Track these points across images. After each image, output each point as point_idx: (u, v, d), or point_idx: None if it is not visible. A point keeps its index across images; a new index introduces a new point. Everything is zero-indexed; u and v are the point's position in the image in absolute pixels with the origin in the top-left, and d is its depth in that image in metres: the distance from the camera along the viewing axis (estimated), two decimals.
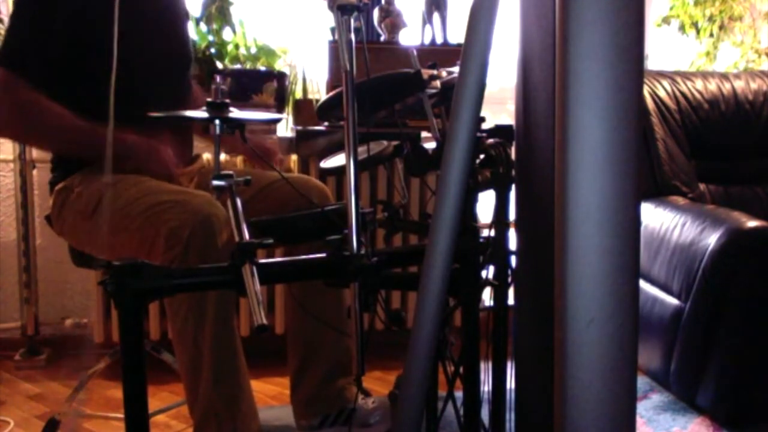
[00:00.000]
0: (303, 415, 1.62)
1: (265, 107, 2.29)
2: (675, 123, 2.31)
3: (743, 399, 1.79)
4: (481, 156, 1.19)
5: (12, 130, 1.58)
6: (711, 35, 2.94)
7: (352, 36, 1.01)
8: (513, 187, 1.16)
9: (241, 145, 1.68)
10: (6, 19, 2.25)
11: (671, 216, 1.98)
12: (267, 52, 2.56)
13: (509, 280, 1.20)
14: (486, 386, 1.23)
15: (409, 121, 2.14)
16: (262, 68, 2.53)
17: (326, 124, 2.18)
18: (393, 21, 2.41)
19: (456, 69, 1.19)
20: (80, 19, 1.45)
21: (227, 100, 1.11)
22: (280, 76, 2.38)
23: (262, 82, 2.33)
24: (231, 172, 1.10)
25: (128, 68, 1.53)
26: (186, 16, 1.76)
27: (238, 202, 1.07)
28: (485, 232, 1.19)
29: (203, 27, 2.44)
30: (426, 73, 1.22)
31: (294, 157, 2.23)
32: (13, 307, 2.33)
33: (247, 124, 1.18)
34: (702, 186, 2.32)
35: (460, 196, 0.95)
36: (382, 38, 2.43)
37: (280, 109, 2.35)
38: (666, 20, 2.96)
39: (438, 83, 1.24)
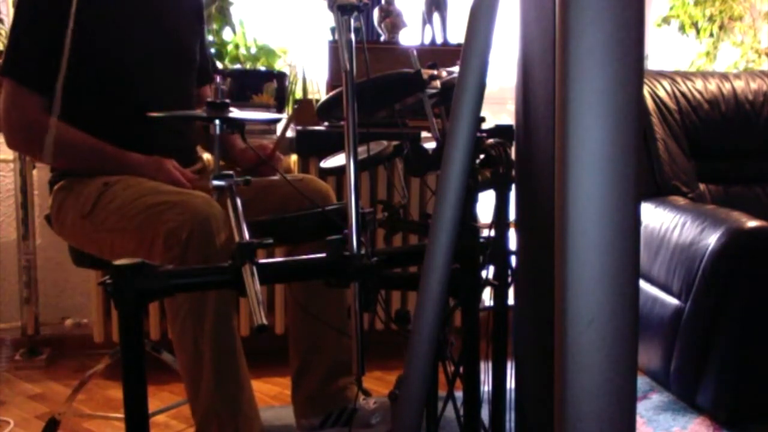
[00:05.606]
0: (304, 414, 1.62)
1: (265, 107, 2.29)
2: (675, 123, 2.31)
3: (743, 399, 1.79)
4: (481, 156, 1.19)
5: (19, 145, 1.60)
6: (711, 35, 2.94)
7: (352, 36, 1.01)
8: (513, 187, 1.16)
9: (240, 155, 1.68)
10: (6, 19, 2.25)
11: (671, 216, 1.98)
12: (267, 52, 2.56)
13: (509, 280, 1.20)
14: (486, 386, 1.23)
15: (409, 121, 2.14)
16: (262, 68, 2.53)
17: (326, 123, 2.18)
18: (393, 21, 2.41)
19: (456, 69, 1.19)
20: (78, 25, 1.45)
21: (227, 100, 1.11)
22: (280, 76, 2.38)
23: (262, 82, 2.33)
24: (231, 172, 1.10)
25: (128, 71, 1.54)
26: (194, 19, 1.74)
27: (239, 202, 1.07)
28: (485, 232, 1.19)
29: None
30: (426, 73, 1.22)
31: (294, 157, 2.23)
32: (13, 307, 2.33)
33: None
34: (702, 186, 2.32)
35: (460, 196, 0.95)
36: (382, 38, 2.43)
37: (280, 109, 2.36)
38: (666, 20, 2.96)
39: (438, 83, 1.24)
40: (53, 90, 1.47)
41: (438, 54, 2.36)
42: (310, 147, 2.18)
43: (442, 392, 1.28)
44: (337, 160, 1.47)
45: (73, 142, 1.48)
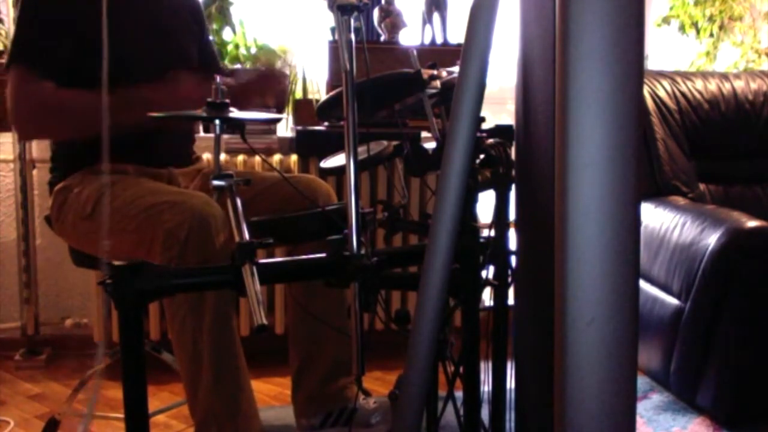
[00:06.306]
0: (304, 414, 1.62)
1: (265, 107, 2.28)
2: (675, 123, 2.31)
3: (743, 399, 1.79)
4: (481, 156, 1.19)
5: (37, 126, 1.54)
6: (711, 35, 2.94)
7: (352, 36, 1.01)
8: (513, 187, 1.16)
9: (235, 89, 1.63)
10: (5, 19, 2.25)
11: (671, 216, 1.98)
12: (267, 52, 2.56)
13: (509, 280, 1.20)
14: (486, 386, 1.23)
15: (409, 121, 2.14)
16: (262, 68, 2.53)
17: (326, 124, 2.18)
18: (393, 21, 2.41)
19: (456, 69, 1.19)
20: (82, 19, 1.45)
21: (227, 100, 1.11)
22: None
23: None
24: (231, 172, 1.10)
25: (126, 71, 1.53)
26: (191, 21, 1.74)
27: (239, 202, 1.07)
28: (485, 232, 1.19)
29: None
30: (426, 73, 1.22)
31: (294, 157, 2.23)
32: (13, 307, 2.33)
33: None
34: (702, 186, 2.32)
35: (460, 196, 0.95)
36: (382, 38, 2.43)
37: (280, 109, 2.35)
38: (666, 20, 2.96)
39: (438, 83, 1.24)
40: (62, 78, 1.46)
41: (438, 54, 2.36)
42: (310, 147, 2.18)
43: (442, 392, 1.28)
44: (337, 160, 1.47)
45: (83, 106, 1.43)
